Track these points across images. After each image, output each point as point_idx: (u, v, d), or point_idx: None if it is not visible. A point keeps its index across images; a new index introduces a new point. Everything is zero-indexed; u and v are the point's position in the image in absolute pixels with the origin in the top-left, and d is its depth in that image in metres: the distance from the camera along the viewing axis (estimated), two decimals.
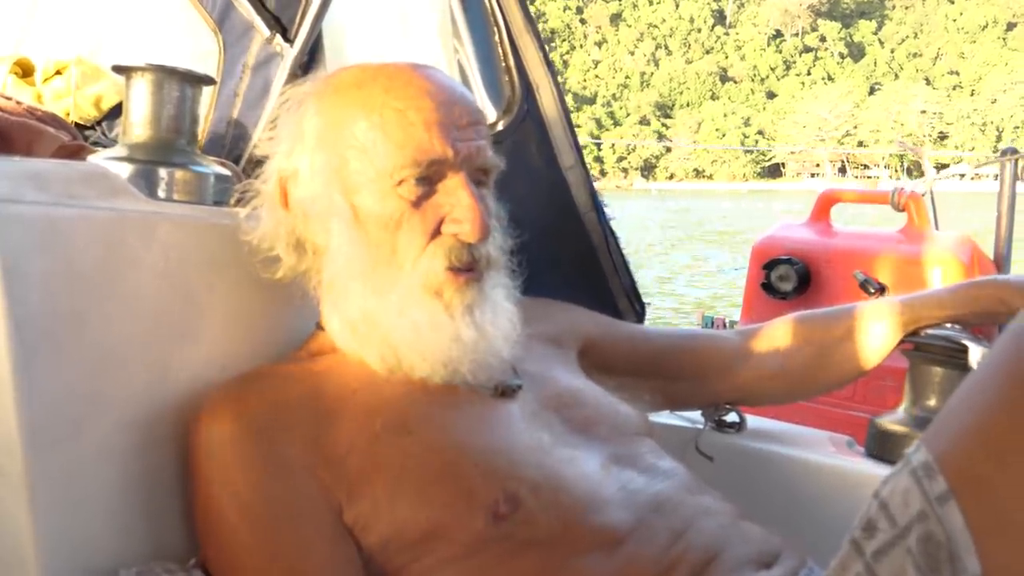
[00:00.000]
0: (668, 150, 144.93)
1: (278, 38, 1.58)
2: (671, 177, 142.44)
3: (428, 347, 1.07)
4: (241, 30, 1.63)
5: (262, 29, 1.59)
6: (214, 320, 1.15)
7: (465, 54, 1.80)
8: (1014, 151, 3.19)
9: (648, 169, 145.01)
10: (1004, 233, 3.14)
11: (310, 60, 1.59)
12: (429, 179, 1.07)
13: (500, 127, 1.71)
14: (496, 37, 1.72)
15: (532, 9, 1.73)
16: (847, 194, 3.70)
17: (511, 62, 1.71)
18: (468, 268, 1.08)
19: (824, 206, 3.42)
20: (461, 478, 1.01)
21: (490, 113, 1.75)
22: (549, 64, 1.70)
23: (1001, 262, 3.13)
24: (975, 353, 1.37)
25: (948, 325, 1.41)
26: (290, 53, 1.57)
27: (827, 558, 0.83)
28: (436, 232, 1.07)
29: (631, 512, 1.04)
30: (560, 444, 1.11)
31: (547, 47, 1.75)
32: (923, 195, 3.24)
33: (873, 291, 2.61)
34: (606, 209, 1.76)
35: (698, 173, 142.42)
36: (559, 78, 1.76)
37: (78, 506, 0.96)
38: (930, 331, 1.42)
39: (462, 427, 1.08)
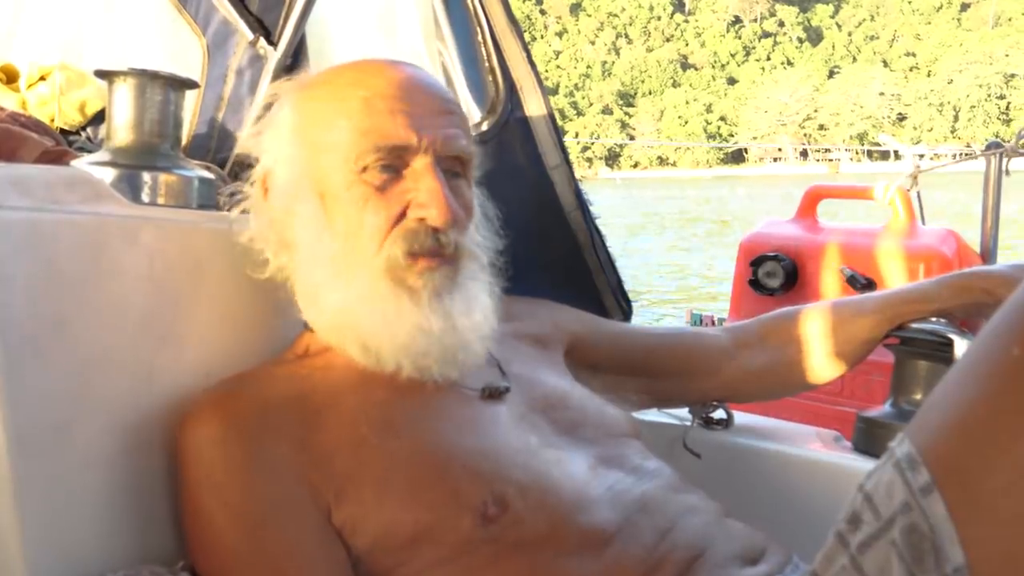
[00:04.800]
0: (632, 138, 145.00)
1: (262, 41, 1.58)
2: (635, 165, 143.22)
3: (395, 336, 1.05)
4: (225, 33, 1.63)
5: (245, 32, 1.59)
6: (199, 324, 1.15)
7: (449, 55, 1.79)
8: (999, 145, 3.19)
9: (612, 158, 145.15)
10: (990, 226, 3.13)
11: (294, 62, 1.58)
12: (394, 166, 1.06)
13: (484, 127, 1.71)
14: (479, 37, 1.72)
15: None
16: (834, 190, 3.70)
17: (494, 62, 1.70)
18: (432, 254, 1.06)
19: (811, 202, 3.42)
20: (448, 480, 1.01)
21: (475, 114, 1.75)
22: (532, 64, 1.69)
23: (988, 255, 3.13)
24: (961, 347, 1.37)
25: (934, 319, 1.41)
26: (274, 56, 1.57)
27: (815, 553, 0.83)
28: (401, 217, 1.06)
29: (617, 512, 1.04)
30: (547, 446, 1.11)
31: None
32: (908, 190, 3.24)
33: (860, 286, 2.61)
34: (591, 208, 1.76)
35: (662, 161, 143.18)
36: None
37: (65, 510, 0.96)
38: (916, 325, 1.42)
39: (449, 430, 1.08)
